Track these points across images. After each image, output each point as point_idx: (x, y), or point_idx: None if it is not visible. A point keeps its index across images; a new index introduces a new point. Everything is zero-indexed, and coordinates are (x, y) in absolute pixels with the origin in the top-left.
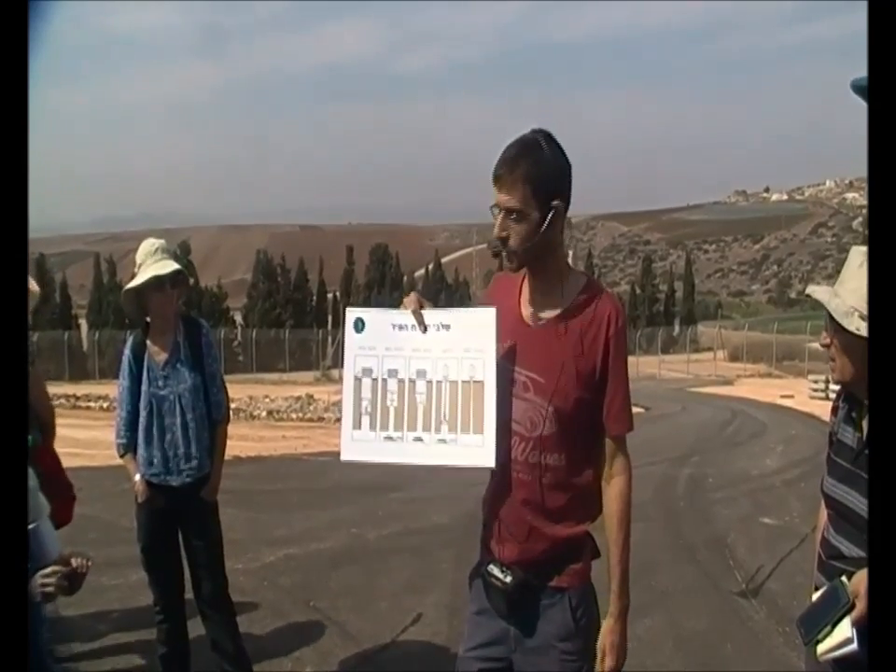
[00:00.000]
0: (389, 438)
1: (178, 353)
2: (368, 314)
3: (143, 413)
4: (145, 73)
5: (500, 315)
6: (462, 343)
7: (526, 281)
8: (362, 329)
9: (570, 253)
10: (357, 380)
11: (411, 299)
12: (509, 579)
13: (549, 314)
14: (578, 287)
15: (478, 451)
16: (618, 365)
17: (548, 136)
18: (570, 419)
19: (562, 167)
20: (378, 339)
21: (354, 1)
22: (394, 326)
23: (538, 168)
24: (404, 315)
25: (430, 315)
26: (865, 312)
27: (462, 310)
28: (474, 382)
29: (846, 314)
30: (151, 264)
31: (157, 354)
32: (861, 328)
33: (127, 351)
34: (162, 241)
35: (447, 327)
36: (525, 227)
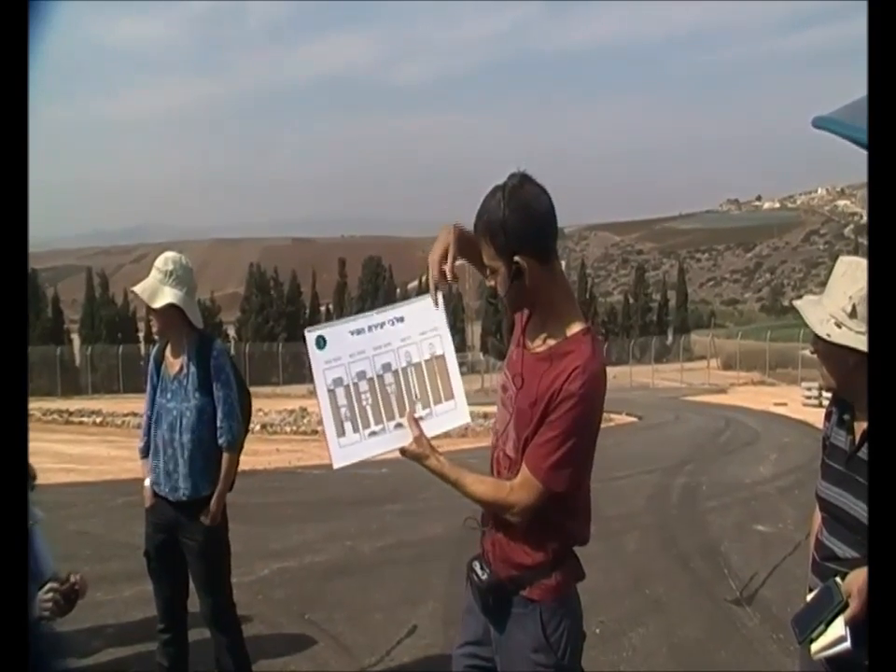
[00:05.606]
0: (373, 433)
1: (185, 370)
2: (326, 329)
3: (153, 422)
4: (136, 86)
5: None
6: (417, 329)
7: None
8: (324, 346)
9: (563, 263)
10: (331, 392)
11: (437, 251)
12: (485, 577)
13: (535, 350)
14: (565, 336)
15: (453, 413)
16: (559, 423)
17: (514, 188)
18: (523, 451)
19: (526, 222)
20: (341, 349)
21: (352, 10)
22: (352, 332)
23: (495, 227)
24: (358, 321)
25: (383, 313)
26: (841, 319)
27: (410, 301)
28: (436, 357)
29: (820, 321)
30: None
31: (170, 366)
32: (832, 333)
33: (150, 357)
34: (160, 257)
35: (401, 319)
36: (500, 279)
